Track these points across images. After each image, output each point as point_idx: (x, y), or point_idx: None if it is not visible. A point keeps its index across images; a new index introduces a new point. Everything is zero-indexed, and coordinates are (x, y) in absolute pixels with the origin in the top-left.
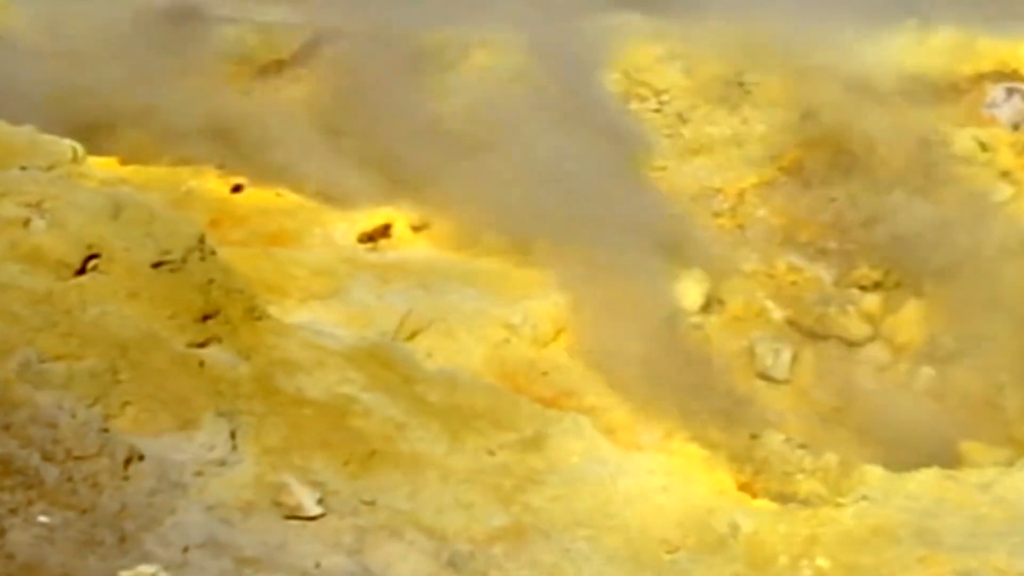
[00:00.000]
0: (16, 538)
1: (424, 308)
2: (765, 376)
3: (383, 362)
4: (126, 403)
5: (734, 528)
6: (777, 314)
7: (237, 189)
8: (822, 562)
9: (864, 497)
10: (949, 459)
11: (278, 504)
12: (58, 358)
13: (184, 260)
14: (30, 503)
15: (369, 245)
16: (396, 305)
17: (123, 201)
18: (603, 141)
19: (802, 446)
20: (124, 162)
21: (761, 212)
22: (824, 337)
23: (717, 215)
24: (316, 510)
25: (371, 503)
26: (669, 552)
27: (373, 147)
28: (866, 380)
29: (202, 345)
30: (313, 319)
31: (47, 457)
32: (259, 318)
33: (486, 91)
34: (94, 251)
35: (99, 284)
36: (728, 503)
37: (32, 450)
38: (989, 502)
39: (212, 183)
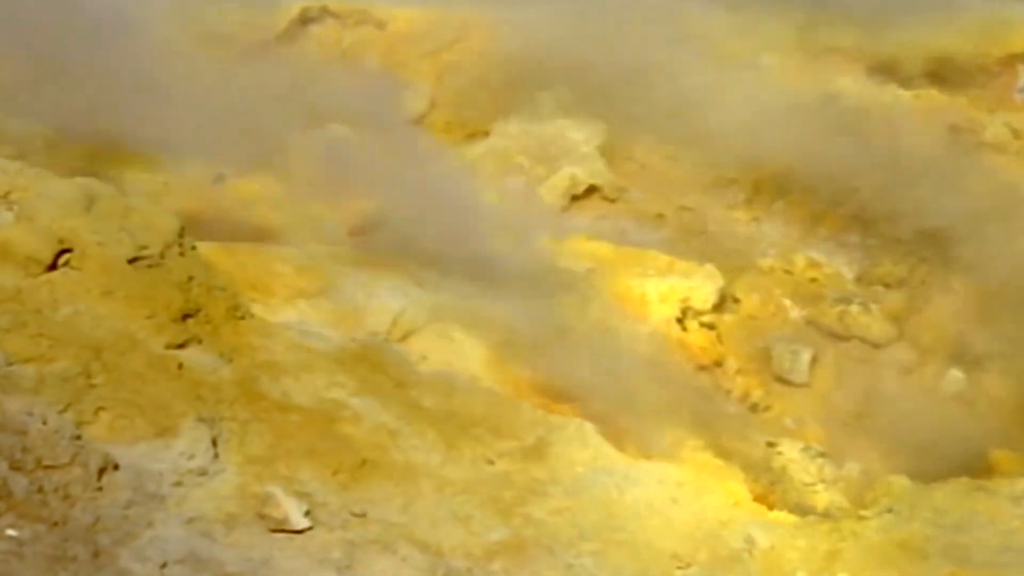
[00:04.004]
0: None
1: (419, 307)
2: (783, 379)
3: (374, 365)
4: (100, 409)
5: (749, 542)
6: (795, 313)
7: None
8: None
9: (888, 509)
10: (979, 469)
11: (263, 517)
12: (27, 361)
13: (162, 255)
14: None
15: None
16: (388, 303)
17: (97, 192)
18: None
19: (822, 455)
20: None
21: (778, 204)
22: (845, 338)
23: (731, 207)
24: (303, 523)
25: (362, 516)
26: (680, 568)
27: None
28: (890, 384)
29: (181, 346)
30: (300, 318)
31: (16, 466)
32: (242, 317)
33: None
34: (66, 246)
35: (71, 281)
36: (743, 516)
37: None
38: (1022, 515)
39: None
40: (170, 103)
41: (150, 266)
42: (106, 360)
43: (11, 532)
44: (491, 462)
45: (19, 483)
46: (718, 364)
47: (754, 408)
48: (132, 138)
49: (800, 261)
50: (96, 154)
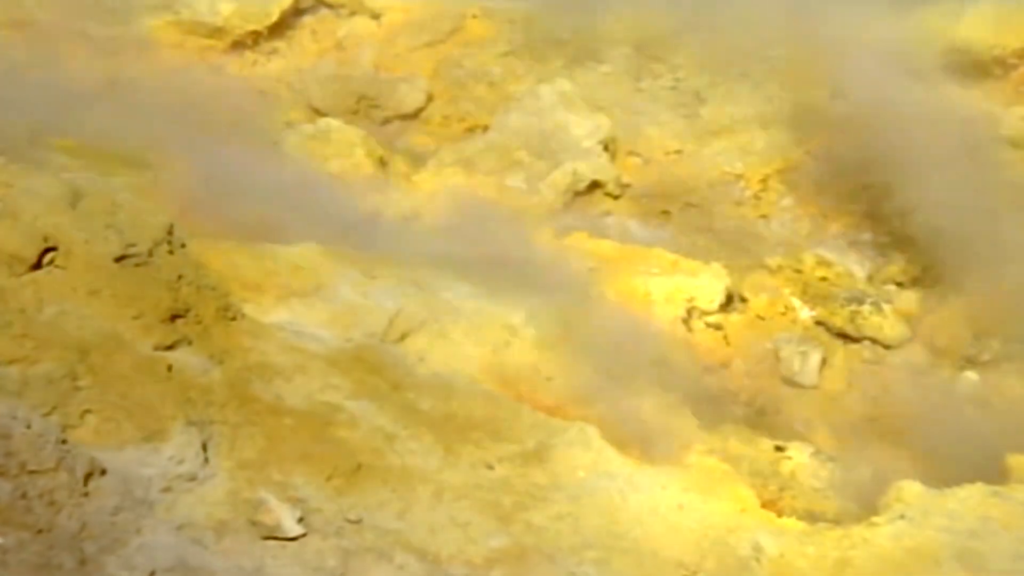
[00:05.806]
0: None
1: (416, 306)
2: (791, 381)
3: (370, 367)
4: (86, 412)
5: (757, 550)
6: (805, 313)
7: None
8: None
9: (901, 516)
10: (995, 474)
11: (255, 523)
12: (11, 362)
13: (151, 254)
14: None
15: None
16: (385, 303)
17: (83, 188)
18: None
19: (832, 459)
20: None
21: (787, 201)
22: (856, 338)
23: (738, 204)
24: (297, 530)
25: (357, 522)
26: None
27: None
28: (903, 386)
29: (170, 348)
30: (293, 319)
31: None
32: (233, 318)
33: None
34: (51, 244)
35: (56, 280)
36: (751, 522)
37: None
38: None
39: None
40: None
41: (138, 265)
42: (92, 362)
43: None
44: (490, 467)
45: (3, 489)
46: (725, 366)
47: (762, 411)
48: None
49: (809, 259)
50: None
